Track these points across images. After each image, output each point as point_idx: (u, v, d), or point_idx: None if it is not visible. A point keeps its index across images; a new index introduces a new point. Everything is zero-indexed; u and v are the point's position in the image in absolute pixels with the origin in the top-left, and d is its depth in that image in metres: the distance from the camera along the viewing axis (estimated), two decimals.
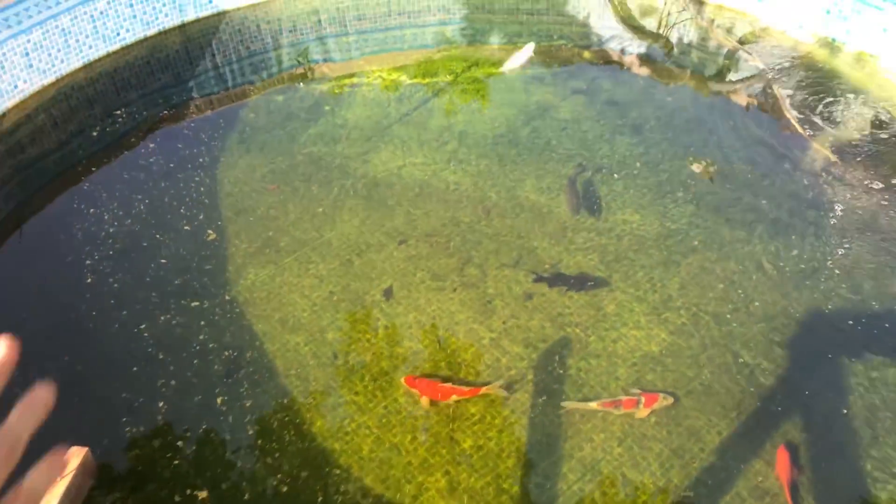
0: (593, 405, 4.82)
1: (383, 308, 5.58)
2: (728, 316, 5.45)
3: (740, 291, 5.65)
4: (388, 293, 5.69)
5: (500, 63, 8.38)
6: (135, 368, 5.22)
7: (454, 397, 4.84)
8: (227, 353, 5.29)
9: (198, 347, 5.34)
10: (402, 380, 4.99)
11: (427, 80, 8.20)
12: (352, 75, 8.35)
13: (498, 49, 8.83)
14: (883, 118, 7.38)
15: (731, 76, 8.29)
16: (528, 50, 8.02)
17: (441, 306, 5.57)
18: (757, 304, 5.55)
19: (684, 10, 9.37)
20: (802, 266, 5.87)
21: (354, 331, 5.43)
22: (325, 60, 8.78)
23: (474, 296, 5.64)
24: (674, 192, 6.58)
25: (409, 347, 5.28)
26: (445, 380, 4.97)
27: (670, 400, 4.84)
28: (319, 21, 9.48)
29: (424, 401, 4.86)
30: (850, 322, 5.42)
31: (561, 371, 5.10)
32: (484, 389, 4.88)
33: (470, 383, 4.96)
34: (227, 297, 5.71)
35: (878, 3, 7.80)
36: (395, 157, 7.07)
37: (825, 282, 5.72)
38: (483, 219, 6.34)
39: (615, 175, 6.79)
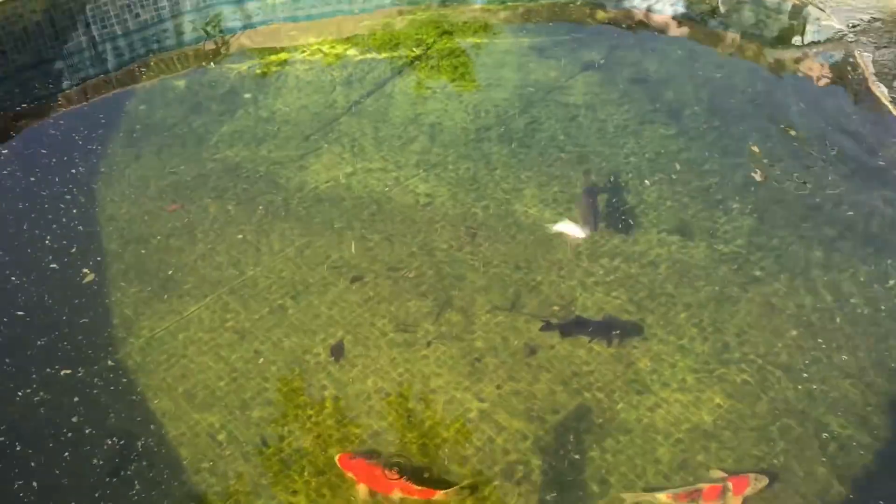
0: (662, 498, 4.79)
1: (331, 372, 5.51)
2: (805, 372, 5.45)
3: (820, 339, 5.65)
4: (336, 351, 5.63)
5: (485, 28, 8.43)
6: None
7: (398, 493, 4.81)
8: (110, 442, 5.19)
9: (70, 435, 5.23)
10: (336, 458, 4.97)
11: (386, 55, 8.23)
12: (281, 50, 8.39)
13: (482, 10, 8.88)
14: None
15: (799, 41, 8.39)
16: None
17: (411, 367, 5.51)
18: (844, 355, 5.55)
19: None
20: None
21: (291, 405, 5.34)
22: (243, 30, 8.81)
23: (456, 351, 5.59)
24: (726, 202, 6.61)
25: (367, 427, 5.21)
26: (393, 465, 4.93)
27: (764, 481, 4.82)
28: None
29: (362, 490, 4.82)
30: None
31: (578, 455, 5.05)
32: (439, 495, 4.83)
33: (427, 481, 4.91)
34: (110, 363, 5.61)
35: None
36: (343, 162, 7.05)
37: None
38: (467, 244, 6.31)
39: (646, 180, 6.80)
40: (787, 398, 5.32)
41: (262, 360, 5.61)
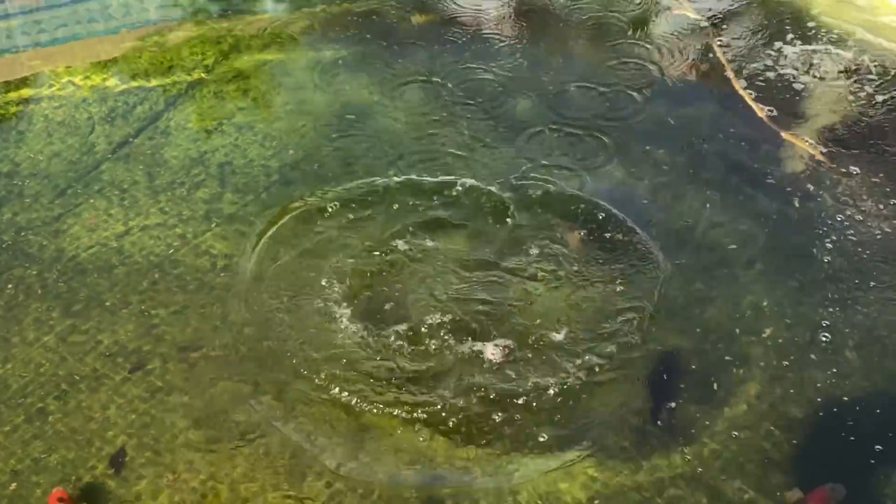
0: None
1: (112, 490, 5.31)
2: None
3: None
4: (116, 462, 5.44)
5: (277, 42, 8.45)
6: None
7: None
8: None
9: None
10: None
11: (156, 82, 8.18)
12: (22, 84, 8.26)
13: (270, 20, 8.94)
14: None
15: (650, 32, 8.74)
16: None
17: (216, 472, 5.36)
18: None
19: None
20: None
21: None
22: None
23: (275, 446, 5.48)
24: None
25: None
26: None
27: (843, 492, 5.23)
28: None
29: None
30: None
31: None
32: None
33: None
34: None
35: None
36: (112, 221, 6.90)
37: None
38: (282, 311, 6.23)
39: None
40: None
41: (18, 485, 5.35)
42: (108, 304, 6.35)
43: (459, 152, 7.45)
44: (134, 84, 8.16)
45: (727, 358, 5.90)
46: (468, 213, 6.93)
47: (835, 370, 5.80)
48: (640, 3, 9.18)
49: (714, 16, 8.90)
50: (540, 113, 7.87)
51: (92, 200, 7.08)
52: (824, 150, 7.38)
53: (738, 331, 6.08)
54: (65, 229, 6.86)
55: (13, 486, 5.35)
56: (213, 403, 5.75)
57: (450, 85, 8.13)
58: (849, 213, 6.84)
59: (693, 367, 5.88)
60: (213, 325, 6.20)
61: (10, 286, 6.46)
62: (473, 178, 7.14)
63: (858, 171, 7.18)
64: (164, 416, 5.66)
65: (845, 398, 5.65)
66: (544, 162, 7.36)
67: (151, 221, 6.91)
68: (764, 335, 6.06)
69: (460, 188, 7.08)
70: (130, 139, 7.61)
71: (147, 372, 5.92)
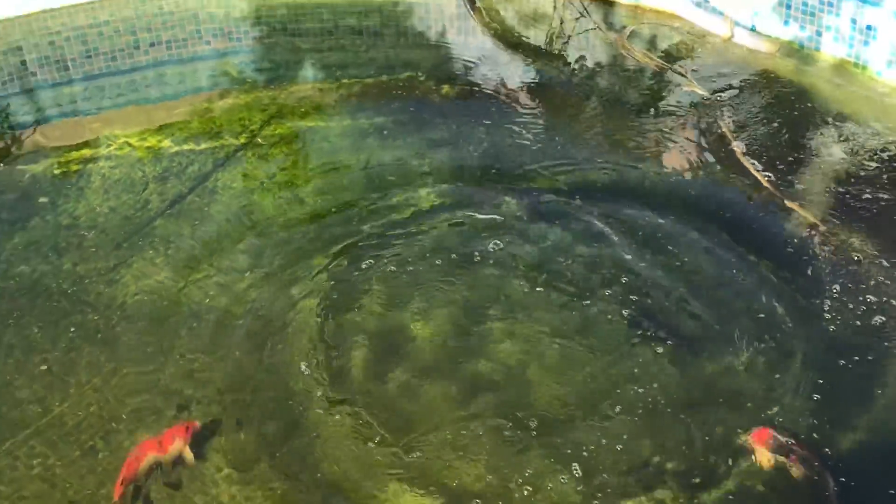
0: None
1: None
2: None
3: None
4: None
5: (317, 109, 8.61)
6: None
7: None
8: None
9: None
10: None
11: (206, 145, 8.31)
12: (83, 146, 8.36)
13: (312, 88, 9.08)
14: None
15: (661, 108, 8.83)
16: None
17: None
18: None
19: (582, 15, 9.98)
20: None
21: None
22: (37, 124, 8.78)
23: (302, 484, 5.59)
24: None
25: None
26: None
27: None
28: (24, 63, 9.48)
29: None
30: None
31: None
32: None
33: None
34: None
35: None
36: (160, 272, 7.08)
37: None
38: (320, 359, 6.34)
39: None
40: None
41: None
42: (150, 350, 6.46)
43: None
44: (186, 147, 8.28)
45: None
46: None
47: None
48: (652, 80, 9.24)
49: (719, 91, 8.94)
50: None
51: (142, 253, 7.20)
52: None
53: None
54: (118, 279, 6.99)
55: None
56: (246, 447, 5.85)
57: (472, 149, 8.23)
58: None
59: None
60: (250, 372, 6.30)
61: (70, 330, 6.62)
62: None
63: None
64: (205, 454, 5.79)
65: None
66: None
67: (198, 275, 7.03)
68: None
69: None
70: (180, 198, 7.74)
71: (187, 414, 6.03)
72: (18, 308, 6.80)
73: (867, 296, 6.67)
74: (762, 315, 6.55)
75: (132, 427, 5.93)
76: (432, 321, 6.57)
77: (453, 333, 6.48)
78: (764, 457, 5.40)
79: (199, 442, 5.70)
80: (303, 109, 8.84)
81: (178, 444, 5.55)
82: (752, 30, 9.33)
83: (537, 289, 6.79)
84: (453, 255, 7.11)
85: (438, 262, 7.04)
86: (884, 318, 6.47)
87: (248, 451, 5.76)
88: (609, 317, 6.56)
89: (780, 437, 5.47)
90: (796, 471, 5.36)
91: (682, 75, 9.09)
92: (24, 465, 5.74)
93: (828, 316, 6.54)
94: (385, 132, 8.50)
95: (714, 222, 7.43)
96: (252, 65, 9.61)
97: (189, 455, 5.54)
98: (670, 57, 9.40)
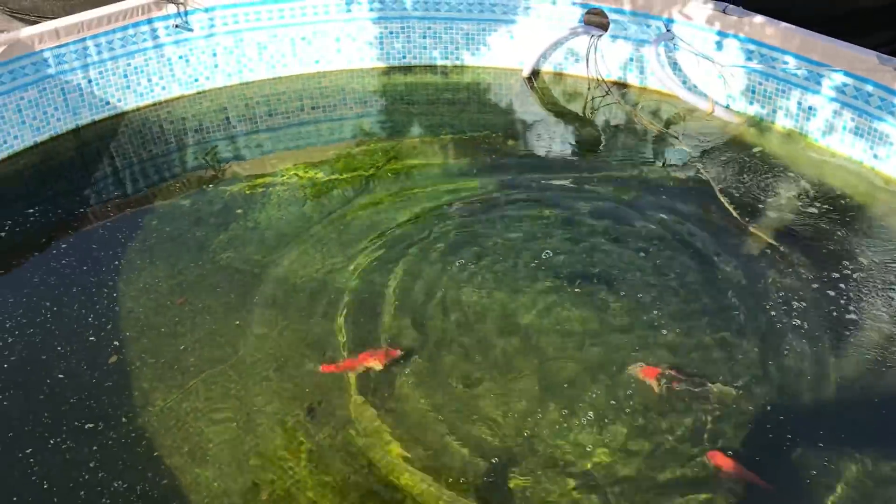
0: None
1: (308, 429, 5.51)
2: None
3: None
4: (312, 412, 5.64)
5: (422, 154, 8.68)
6: None
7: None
8: (116, 485, 5.11)
9: (87, 476, 5.14)
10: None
11: (347, 175, 8.41)
12: (265, 175, 8.49)
13: (420, 141, 9.15)
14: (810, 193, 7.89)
15: (659, 160, 8.74)
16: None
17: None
18: None
19: (608, 93, 9.94)
20: None
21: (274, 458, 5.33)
22: (234, 160, 8.93)
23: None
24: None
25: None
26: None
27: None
28: (227, 119, 9.66)
29: None
30: None
31: None
32: None
33: None
34: (128, 426, 5.56)
35: (803, 82, 8.49)
36: (314, 261, 7.14)
37: None
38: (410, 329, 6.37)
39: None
40: None
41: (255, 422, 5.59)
42: (306, 312, 6.57)
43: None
44: (333, 177, 8.41)
45: None
46: None
47: None
48: (654, 139, 9.12)
49: (702, 148, 8.81)
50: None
51: (302, 248, 7.31)
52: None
53: None
54: (285, 264, 7.10)
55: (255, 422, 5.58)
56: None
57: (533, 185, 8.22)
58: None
59: None
60: (368, 329, 6.35)
61: (254, 298, 6.74)
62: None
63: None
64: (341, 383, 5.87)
65: None
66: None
67: (339, 265, 7.11)
68: None
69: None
70: (329, 212, 7.84)
71: (331, 358, 6.11)
72: (217, 283, 6.96)
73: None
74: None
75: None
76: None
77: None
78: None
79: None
80: (413, 153, 8.87)
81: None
82: (727, 107, 9.18)
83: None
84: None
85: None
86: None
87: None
88: None
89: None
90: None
91: (675, 137, 9.00)
92: (222, 387, 5.85)
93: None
94: (469, 170, 8.51)
95: (697, 240, 7.34)
96: (379, 123, 9.71)
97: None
98: (668, 123, 9.28)
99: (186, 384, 5.89)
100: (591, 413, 5.47)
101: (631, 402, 5.52)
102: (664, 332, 6.15)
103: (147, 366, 6.07)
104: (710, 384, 5.65)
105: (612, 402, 5.55)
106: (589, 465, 5.14)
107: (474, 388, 5.73)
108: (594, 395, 5.61)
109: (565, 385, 5.72)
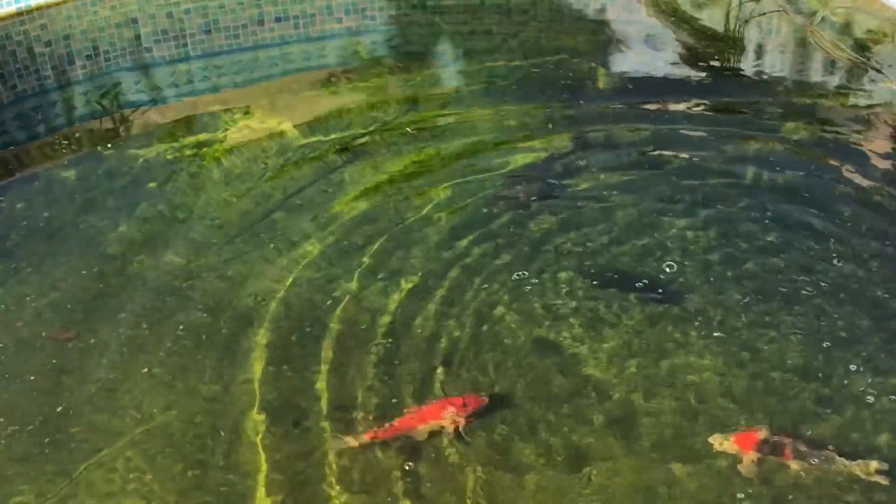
0: None
1: None
2: None
3: None
4: None
5: (456, 96, 8.64)
6: None
7: None
8: None
9: None
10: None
11: (331, 136, 8.40)
12: (199, 129, 8.53)
13: (453, 74, 9.11)
14: None
15: (849, 112, 8.61)
16: None
17: None
18: None
19: None
20: None
21: None
22: (151, 104, 8.99)
23: None
24: None
25: None
26: None
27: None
28: (138, 37, 9.67)
29: None
30: None
31: None
32: None
33: None
34: None
35: None
36: (279, 270, 7.14)
37: None
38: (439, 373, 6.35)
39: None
40: None
41: None
42: (255, 354, 6.50)
43: None
44: (312, 137, 8.39)
45: None
46: None
47: None
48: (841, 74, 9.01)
49: None
50: None
51: (259, 250, 7.31)
52: None
53: None
54: (231, 276, 7.08)
55: None
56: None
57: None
58: None
59: None
60: (368, 384, 6.26)
61: (178, 330, 6.69)
62: None
63: None
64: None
65: None
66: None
67: (315, 274, 7.07)
68: None
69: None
70: (302, 189, 7.83)
71: (303, 429, 6.08)
72: (118, 306, 6.93)
73: None
74: None
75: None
76: None
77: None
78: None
79: None
80: (441, 97, 8.84)
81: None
82: None
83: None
84: None
85: None
86: None
87: None
88: None
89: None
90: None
91: (878, 70, 8.83)
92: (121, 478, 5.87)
93: None
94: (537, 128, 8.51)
95: None
96: (385, 45, 9.76)
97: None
98: (864, 48, 9.14)
99: (71, 474, 5.87)
100: None
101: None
102: None
103: (2, 445, 6.04)
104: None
105: None
106: None
107: None
108: None
109: None
